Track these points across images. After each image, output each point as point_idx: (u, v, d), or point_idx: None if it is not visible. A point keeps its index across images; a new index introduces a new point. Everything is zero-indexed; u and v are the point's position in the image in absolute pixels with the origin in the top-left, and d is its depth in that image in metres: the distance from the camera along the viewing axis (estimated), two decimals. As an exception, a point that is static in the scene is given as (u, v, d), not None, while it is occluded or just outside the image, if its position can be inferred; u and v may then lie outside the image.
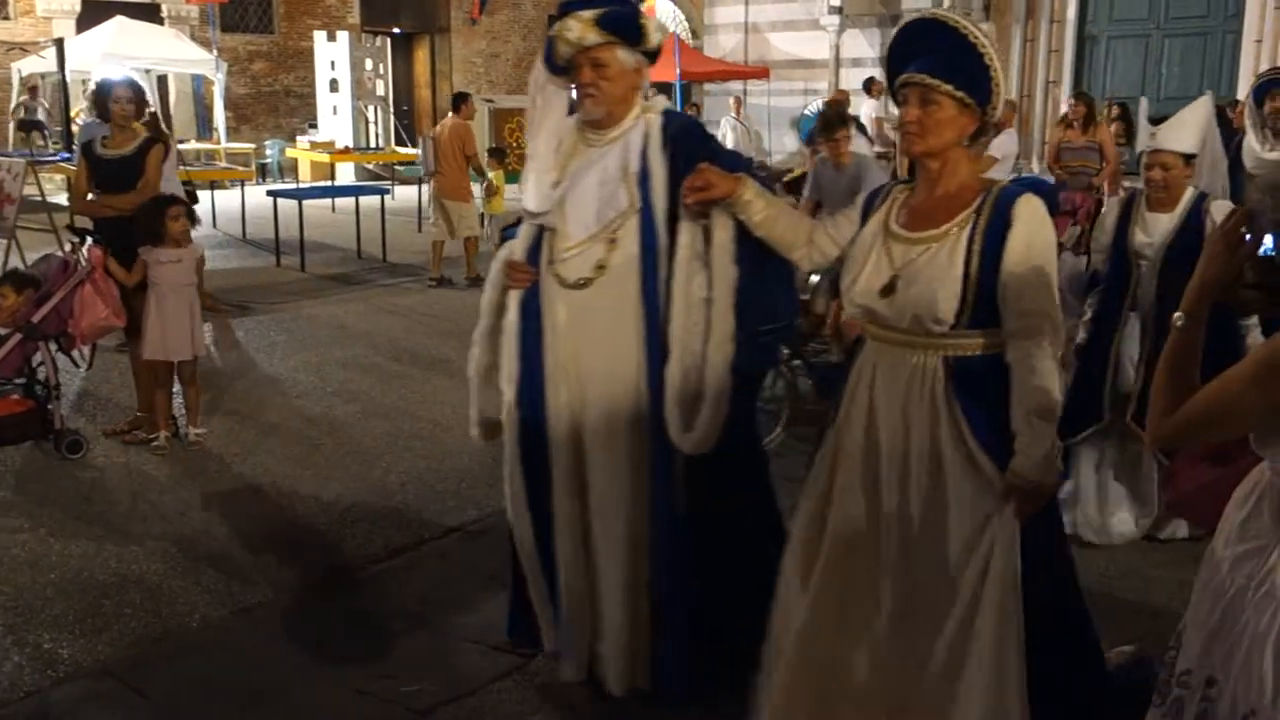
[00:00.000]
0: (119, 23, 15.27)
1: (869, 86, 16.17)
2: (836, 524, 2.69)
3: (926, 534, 2.55)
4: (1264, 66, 16.24)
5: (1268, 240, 1.82)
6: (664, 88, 18.28)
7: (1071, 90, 16.09)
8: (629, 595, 3.12)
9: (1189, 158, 4.31)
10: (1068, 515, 4.49)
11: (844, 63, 20.25)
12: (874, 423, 2.63)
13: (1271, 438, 1.80)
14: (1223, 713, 1.82)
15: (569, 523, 3.14)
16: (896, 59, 2.63)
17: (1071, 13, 18.24)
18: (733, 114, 15.73)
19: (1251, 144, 5.30)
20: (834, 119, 6.53)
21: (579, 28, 2.95)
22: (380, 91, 18.44)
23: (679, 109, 16.46)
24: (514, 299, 3.17)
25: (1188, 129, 4.35)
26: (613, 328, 3.03)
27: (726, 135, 15.38)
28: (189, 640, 3.75)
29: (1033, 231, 2.49)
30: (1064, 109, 10.99)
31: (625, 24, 2.99)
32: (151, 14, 17.25)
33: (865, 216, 2.73)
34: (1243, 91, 15.98)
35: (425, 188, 14.60)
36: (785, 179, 17.72)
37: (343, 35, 18.03)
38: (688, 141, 3.04)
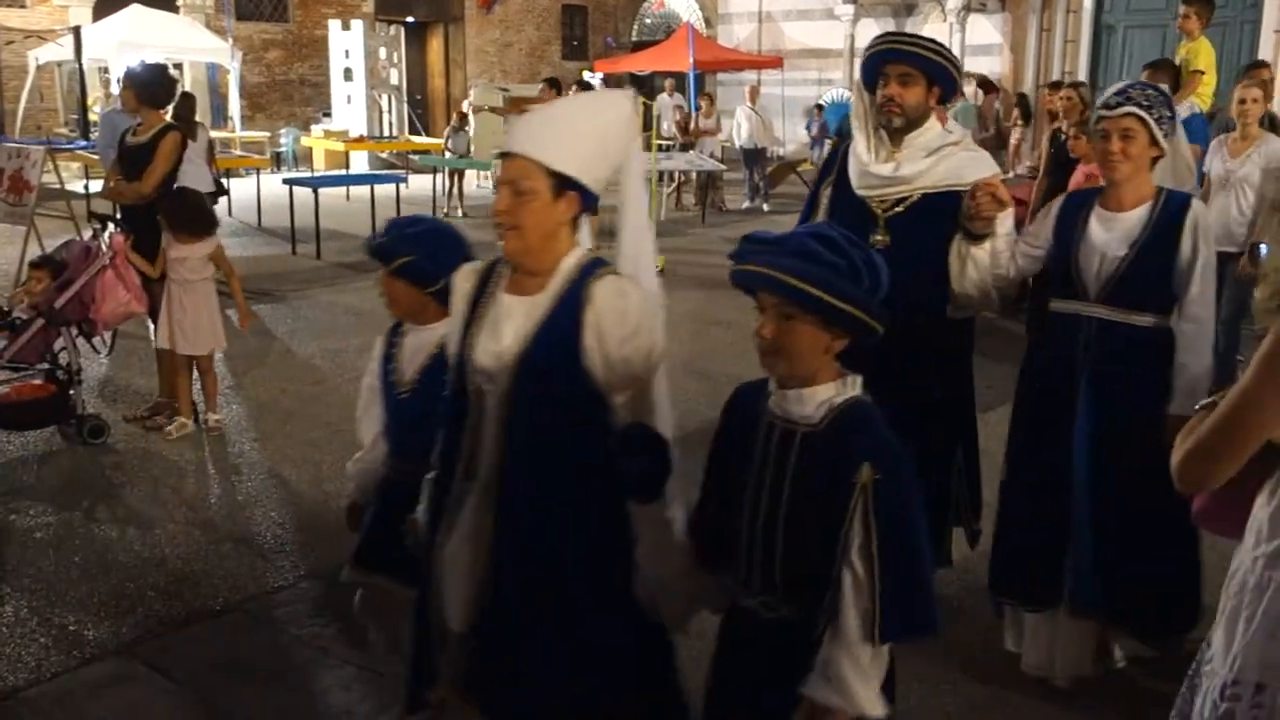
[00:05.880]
0: (135, 11, 15.32)
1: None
2: None
3: None
4: (1282, 57, 16.10)
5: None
6: (678, 77, 18.24)
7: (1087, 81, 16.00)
8: None
9: (571, 185, 2.17)
10: None
11: (858, 53, 20.18)
12: None
13: None
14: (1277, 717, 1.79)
15: None
16: None
17: (1088, 2, 18.15)
18: (748, 103, 15.61)
19: (858, 151, 3.48)
20: None
21: None
22: (394, 80, 18.46)
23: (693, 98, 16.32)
24: None
25: (576, 137, 2.20)
26: None
27: (741, 124, 15.31)
28: (212, 622, 3.79)
29: None
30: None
31: None
32: (167, 2, 17.27)
33: None
34: (1261, 82, 15.89)
35: (440, 176, 14.63)
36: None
37: (357, 24, 18.07)
38: None
